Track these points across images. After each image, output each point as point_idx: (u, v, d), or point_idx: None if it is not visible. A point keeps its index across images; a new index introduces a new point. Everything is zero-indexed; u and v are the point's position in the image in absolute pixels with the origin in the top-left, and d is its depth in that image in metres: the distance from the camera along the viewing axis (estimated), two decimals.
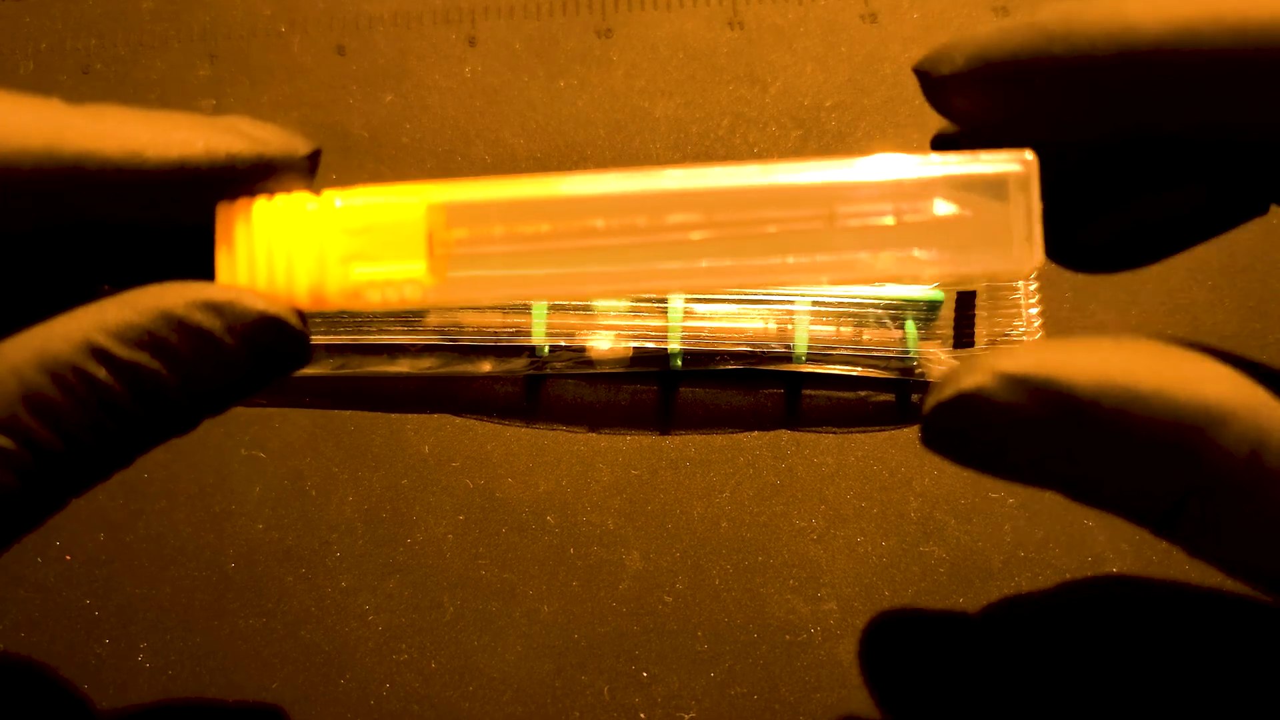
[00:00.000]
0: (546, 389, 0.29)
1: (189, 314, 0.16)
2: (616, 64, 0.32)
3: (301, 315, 0.17)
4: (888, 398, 0.28)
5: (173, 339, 0.16)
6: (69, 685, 0.26)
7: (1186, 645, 0.25)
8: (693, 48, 0.32)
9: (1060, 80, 0.15)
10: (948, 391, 0.15)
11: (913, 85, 0.31)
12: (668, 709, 0.25)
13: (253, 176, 0.16)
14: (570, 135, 0.32)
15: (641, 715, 0.25)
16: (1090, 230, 0.18)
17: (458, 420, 0.28)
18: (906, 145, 0.30)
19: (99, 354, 0.15)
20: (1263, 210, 0.17)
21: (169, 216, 0.16)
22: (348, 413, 0.29)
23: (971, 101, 0.16)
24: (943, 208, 0.16)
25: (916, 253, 0.16)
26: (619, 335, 0.28)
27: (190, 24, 0.34)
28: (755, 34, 0.33)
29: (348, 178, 0.32)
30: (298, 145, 0.17)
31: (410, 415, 0.29)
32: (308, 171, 0.17)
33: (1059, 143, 0.16)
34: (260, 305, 0.16)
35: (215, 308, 0.16)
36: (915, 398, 0.28)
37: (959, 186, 0.16)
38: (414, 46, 0.33)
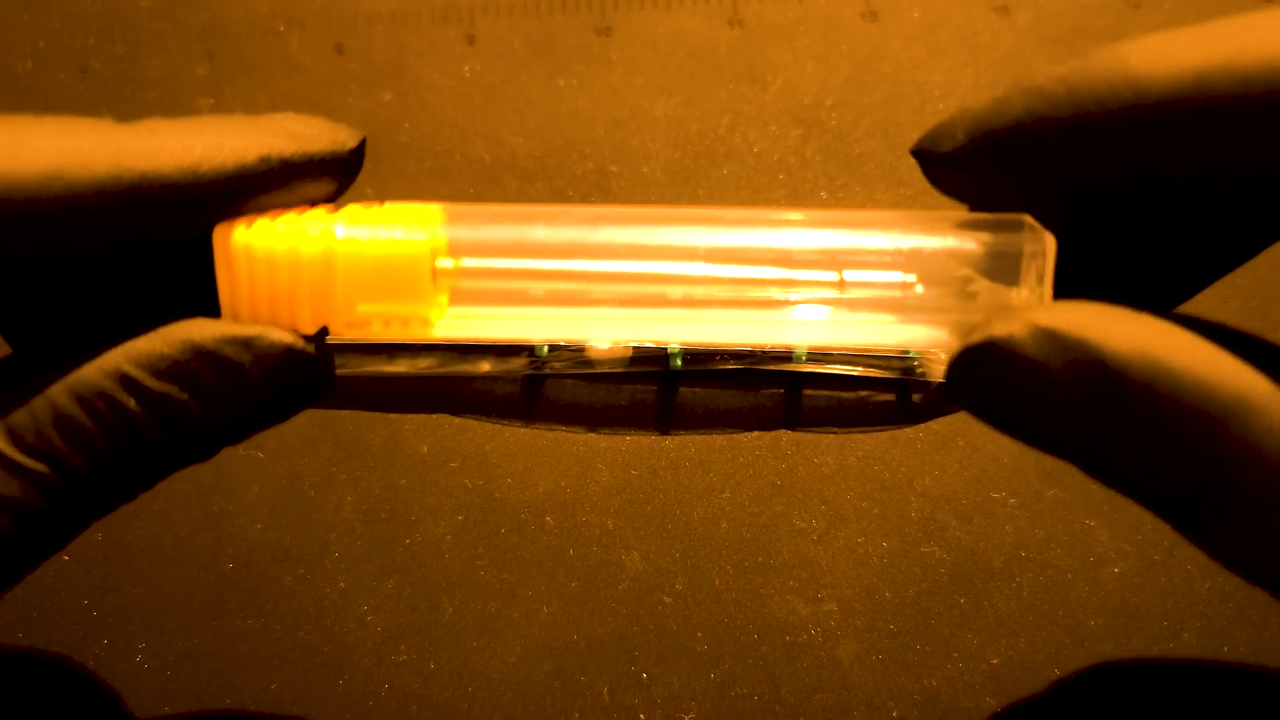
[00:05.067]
0: (545, 389, 0.29)
1: (218, 347, 0.16)
2: (616, 62, 0.32)
3: (325, 348, 0.17)
4: (888, 397, 0.28)
5: (200, 371, 0.16)
6: (67, 685, 0.26)
7: (1188, 646, 0.25)
8: (692, 46, 0.32)
9: (1067, 143, 0.15)
10: (976, 337, 0.15)
11: (913, 83, 0.31)
12: (667, 710, 0.25)
13: (305, 176, 0.16)
14: (570, 134, 0.32)
15: (641, 716, 0.25)
16: (1110, 277, 0.17)
17: (456, 420, 0.28)
18: (906, 145, 0.30)
19: (129, 383, 0.16)
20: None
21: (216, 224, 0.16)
22: (346, 412, 0.28)
23: (976, 176, 0.16)
24: (954, 273, 0.16)
25: (922, 328, 0.16)
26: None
27: (188, 22, 0.34)
28: (755, 32, 0.32)
29: None
30: (345, 139, 0.17)
31: (409, 415, 0.28)
32: (355, 164, 0.17)
33: (1067, 201, 0.16)
34: (286, 340, 0.16)
35: (243, 342, 0.16)
36: (916, 398, 0.28)
37: (973, 253, 0.16)
38: (412, 45, 0.33)
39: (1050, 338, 0.14)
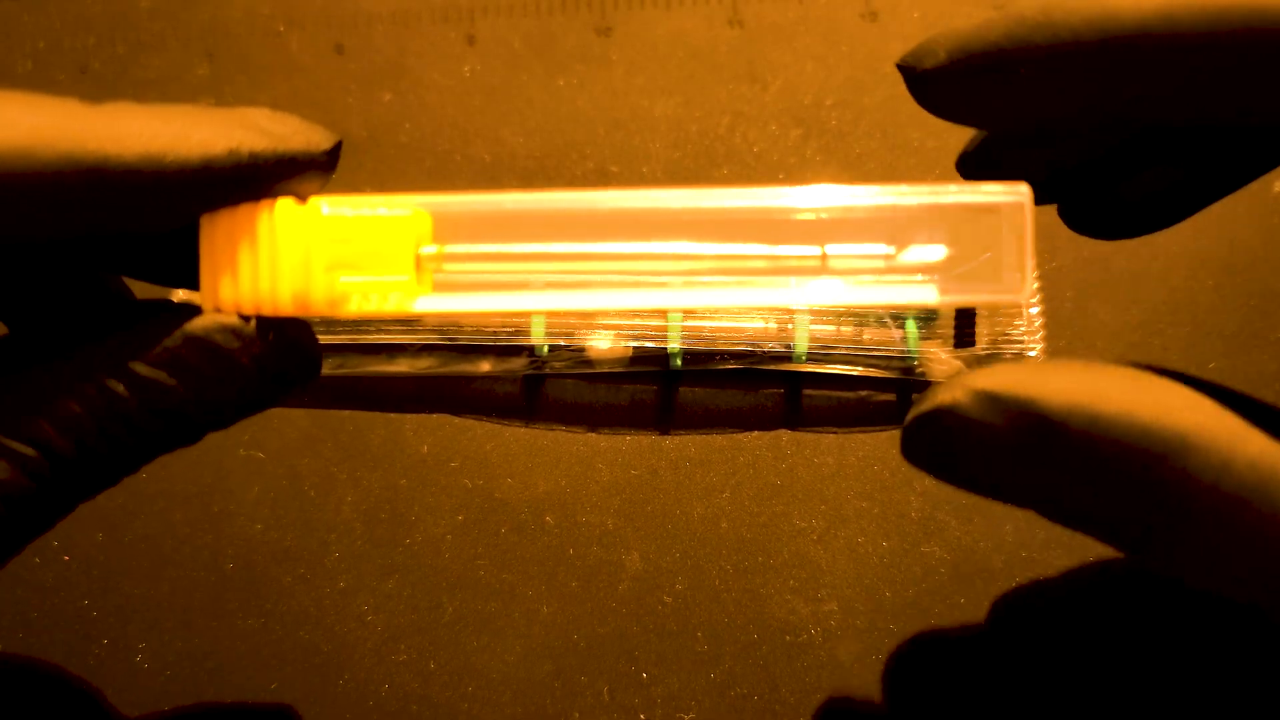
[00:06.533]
0: (545, 389, 0.29)
1: (208, 334, 0.16)
2: (616, 62, 0.32)
3: (312, 333, 0.17)
4: (888, 397, 0.28)
5: (190, 358, 0.16)
6: (67, 685, 0.26)
7: (1186, 645, 0.25)
8: (692, 46, 0.32)
9: (1042, 69, 0.15)
10: (925, 405, 0.16)
11: None
12: (668, 710, 0.25)
13: (274, 175, 0.16)
14: (569, 134, 0.32)
15: (641, 716, 0.25)
16: (1095, 202, 0.18)
17: (456, 420, 0.28)
18: (907, 145, 0.30)
19: (119, 369, 0.16)
20: (1276, 163, 0.17)
21: (182, 217, 0.16)
22: (346, 412, 0.29)
23: (954, 95, 0.16)
24: (935, 239, 0.16)
25: (908, 289, 0.16)
26: (618, 335, 0.28)
27: (188, 22, 0.34)
28: (755, 32, 0.32)
29: (346, 177, 0.32)
30: (319, 140, 0.16)
31: (409, 415, 0.28)
32: (328, 166, 0.17)
33: (1048, 130, 0.16)
34: (277, 327, 0.17)
35: (233, 330, 0.16)
36: (915, 397, 0.28)
37: (953, 217, 0.16)
38: (412, 45, 0.33)
39: (991, 399, 0.15)
